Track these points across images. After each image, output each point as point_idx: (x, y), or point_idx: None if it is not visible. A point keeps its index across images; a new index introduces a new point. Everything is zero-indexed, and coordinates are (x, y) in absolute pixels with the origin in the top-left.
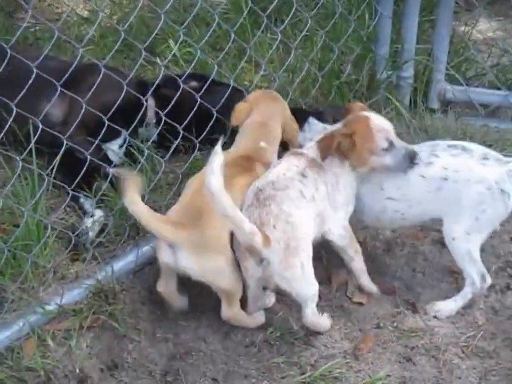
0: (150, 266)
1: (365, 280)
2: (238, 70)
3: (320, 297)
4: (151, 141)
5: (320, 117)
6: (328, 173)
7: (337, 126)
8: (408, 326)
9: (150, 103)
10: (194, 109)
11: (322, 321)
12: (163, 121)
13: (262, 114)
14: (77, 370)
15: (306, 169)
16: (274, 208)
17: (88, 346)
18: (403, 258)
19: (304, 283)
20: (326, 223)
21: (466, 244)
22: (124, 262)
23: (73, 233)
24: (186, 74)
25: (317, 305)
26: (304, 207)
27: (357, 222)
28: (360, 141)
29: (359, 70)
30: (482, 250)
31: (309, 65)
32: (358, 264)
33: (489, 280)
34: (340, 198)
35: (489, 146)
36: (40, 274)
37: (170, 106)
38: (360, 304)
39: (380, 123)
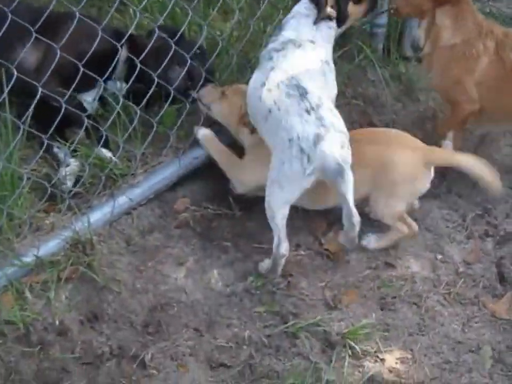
0: (127, 217)
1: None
2: (209, 18)
3: (299, 245)
4: (123, 92)
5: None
6: None
7: None
8: (389, 275)
9: (122, 54)
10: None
11: None
12: (137, 69)
13: None
14: (57, 323)
15: None
16: None
17: (67, 298)
18: None
19: None
20: None
21: (268, 195)
22: (101, 213)
23: (48, 183)
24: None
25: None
26: None
27: None
28: None
29: None
30: (459, 196)
31: (280, 13)
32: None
33: (283, 251)
34: None
35: None
36: (15, 226)
37: (144, 54)
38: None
39: None
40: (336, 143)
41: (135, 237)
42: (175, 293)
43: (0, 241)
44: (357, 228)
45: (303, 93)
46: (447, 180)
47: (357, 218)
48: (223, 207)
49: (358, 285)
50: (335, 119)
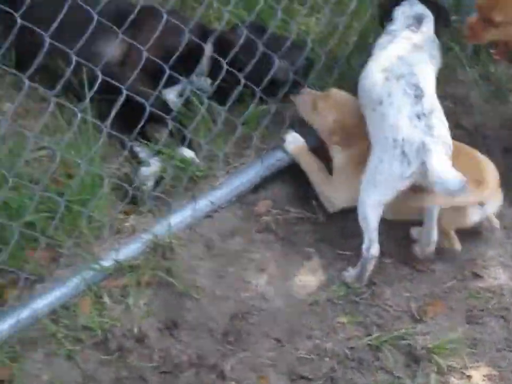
0: (208, 220)
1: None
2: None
3: (383, 253)
4: (209, 90)
5: None
6: None
7: None
8: (476, 286)
9: (207, 50)
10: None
11: None
12: (224, 69)
13: None
14: (135, 330)
15: None
16: None
17: (145, 304)
18: None
19: None
20: None
21: (362, 194)
22: (181, 216)
23: (130, 185)
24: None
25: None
26: None
27: None
28: None
29: None
30: None
31: (370, 9)
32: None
33: (374, 252)
34: None
35: None
36: (95, 229)
37: (231, 52)
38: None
39: None
40: (446, 158)
41: (215, 241)
42: (256, 300)
43: (79, 245)
44: (434, 246)
45: (419, 95)
46: None
47: (434, 237)
48: (306, 211)
49: (444, 296)
50: (443, 130)
